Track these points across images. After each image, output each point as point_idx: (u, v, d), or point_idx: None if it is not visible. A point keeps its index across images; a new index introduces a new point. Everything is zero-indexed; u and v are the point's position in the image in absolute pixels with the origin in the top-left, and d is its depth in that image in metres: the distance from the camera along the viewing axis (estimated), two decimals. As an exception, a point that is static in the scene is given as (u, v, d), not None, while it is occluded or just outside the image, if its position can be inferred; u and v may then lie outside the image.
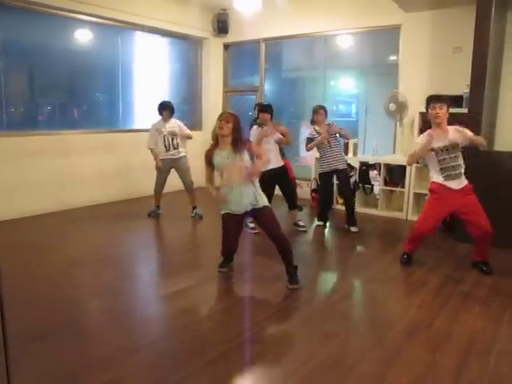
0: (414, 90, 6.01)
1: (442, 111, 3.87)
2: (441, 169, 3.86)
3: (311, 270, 4.20)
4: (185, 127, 5.83)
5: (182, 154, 5.78)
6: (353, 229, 5.37)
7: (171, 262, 4.35)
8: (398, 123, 6.27)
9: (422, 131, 5.80)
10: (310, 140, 5.32)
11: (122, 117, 7.23)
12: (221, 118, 3.47)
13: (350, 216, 5.41)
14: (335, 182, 5.78)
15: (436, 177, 3.92)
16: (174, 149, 5.70)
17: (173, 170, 5.78)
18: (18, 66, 6.12)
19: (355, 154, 6.52)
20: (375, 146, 6.39)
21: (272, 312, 3.16)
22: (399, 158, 6.04)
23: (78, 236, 5.00)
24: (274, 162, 4.86)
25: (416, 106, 5.84)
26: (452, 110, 5.45)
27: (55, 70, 6.34)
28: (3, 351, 1.58)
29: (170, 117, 5.74)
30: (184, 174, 5.80)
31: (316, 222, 5.61)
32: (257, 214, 3.60)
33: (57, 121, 6.68)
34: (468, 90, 4.91)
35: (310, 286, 3.73)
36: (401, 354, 2.60)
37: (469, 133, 3.88)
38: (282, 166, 5.12)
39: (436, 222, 4.04)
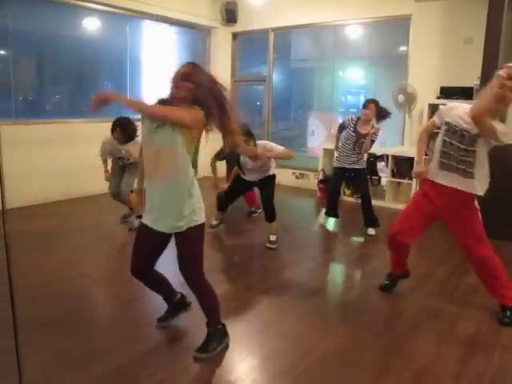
0: (424, 82, 5.96)
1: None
2: (441, 152, 2.95)
3: (316, 261, 4.21)
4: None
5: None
6: (369, 231, 4.88)
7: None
8: (406, 115, 6.23)
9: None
10: (341, 128, 4.83)
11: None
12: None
13: (366, 216, 4.90)
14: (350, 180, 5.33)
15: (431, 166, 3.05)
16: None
17: None
18: (27, 54, 6.13)
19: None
20: (383, 138, 6.35)
21: (276, 302, 3.17)
22: (407, 150, 6.00)
23: (86, 224, 5.03)
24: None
25: (425, 98, 5.79)
26: (463, 102, 5.44)
27: (64, 59, 6.33)
28: (13, 336, 1.61)
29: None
30: None
31: (321, 216, 5.35)
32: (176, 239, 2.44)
33: (65, 109, 6.69)
34: (478, 82, 4.85)
35: (315, 278, 3.74)
36: (405, 346, 2.61)
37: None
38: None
39: (411, 223, 3.07)
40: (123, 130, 4.55)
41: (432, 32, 5.98)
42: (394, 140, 6.54)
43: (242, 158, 4.42)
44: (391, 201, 6.26)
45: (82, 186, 6.23)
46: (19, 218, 4.90)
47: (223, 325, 2.55)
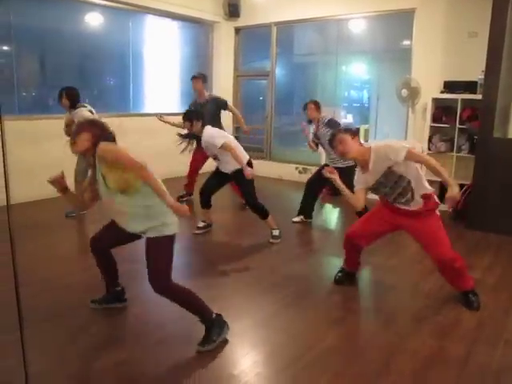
0: (428, 76, 5.92)
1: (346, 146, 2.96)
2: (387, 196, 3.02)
3: (318, 255, 4.21)
4: None
5: None
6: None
7: (184, 246, 4.39)
8: (410, 109, 6.20)
9: (434, 118, 5.75)
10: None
11: (133, 101, 7.23)
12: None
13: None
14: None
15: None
16: None
17: None
18: (30, 50, 6.13)
19: (366, 140, 6.47)
20: (386, 133, 6.34)
21: (278, 298, 3.18)
22: (411, 145, 5.98)
23: (92, 218, 5.04)
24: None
25: (429, 92, 5.76)
26: (466, 97, 5.44)
27: (67, 54, 6.33)
28: (18, 330, 1.62)
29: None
30: None
31: (293, 219, 5.07)
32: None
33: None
34: (483, 76, 4.83)
35: (316, 273, 3.75)
36: (408, 341, 2.62)
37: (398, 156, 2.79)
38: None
39: (365, 229, 3.19)
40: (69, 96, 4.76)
41: (436, 26, 5.94)
42: (398, 134, 6.51)
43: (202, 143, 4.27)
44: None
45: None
46: (23, 213, 4.92)
47: (218, 314, 2.56)
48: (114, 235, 2.66)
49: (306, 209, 5.05)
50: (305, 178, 7.39)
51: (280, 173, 7.69)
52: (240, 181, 4.30)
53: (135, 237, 2.59)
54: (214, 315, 2.54)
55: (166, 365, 2.34)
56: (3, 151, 1.60)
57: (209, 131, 4.17)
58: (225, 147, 4.03)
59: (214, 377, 2.27)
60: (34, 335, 2.46)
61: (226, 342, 2.55)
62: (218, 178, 4.47)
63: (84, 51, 6.49)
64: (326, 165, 4.80)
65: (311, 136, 5.00)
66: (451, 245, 2.96)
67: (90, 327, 2.72)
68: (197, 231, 4.61)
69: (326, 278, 3.67)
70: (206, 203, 4.55)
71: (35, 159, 5.71)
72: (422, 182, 2.92)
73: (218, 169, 4.48)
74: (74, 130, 2.45)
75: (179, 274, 3.61)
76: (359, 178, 3.04)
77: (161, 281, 2.42)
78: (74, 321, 2.78)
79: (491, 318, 2.90)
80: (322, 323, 2.84)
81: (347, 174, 4.67)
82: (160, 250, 2.43)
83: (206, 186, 4.51)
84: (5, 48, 5.79)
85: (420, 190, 2.90)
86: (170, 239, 2.46)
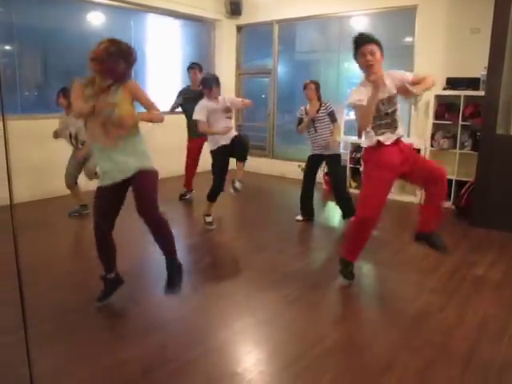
0: (430, 73, 5.85)
1: (375, 57, 3.04)
2: (376, 126, 3.06)
3: (321, 252, 4.21)
4: None
5: None
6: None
7: (186, 244, 4.40)
8: (412, 106, 6.17)
9: (437, 115, 5.73)
10: (299, 121, 4.86)
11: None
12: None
13: (341, 207, 4.88)
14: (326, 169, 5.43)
15: (368, 140, 3.11)
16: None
17: None
18: (32, 49, 6.14)
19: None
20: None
21: (281, 295, 3.18)
22: (414, 142, 5.96)
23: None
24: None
25: (432, 89, 5.73)
26: (469, 93, 5.42)
27: (69, 54, 6.34)
28: (23, 328, 1.63)
29: None
30: None
31: (296, 217, 5.03)
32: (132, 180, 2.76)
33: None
34: (485, 73, 4.81)
35: (320, 270, 3.75)
36: (412, 338, 2.62)
37: (408, 77, 3.17)
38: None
39: (382, 199, 3.19)
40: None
41: (438, 22, 5.92)
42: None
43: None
44: (397, 193, 6.23)
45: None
46: (26, 212, 4.93)
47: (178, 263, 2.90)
48: (110, 203, 2.81)
49: (305, 209, 5.02)
50: (307, 175, 7.41)
51: (283, 171, 7.69)
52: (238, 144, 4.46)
53: (127, 184, 2.78)
54: (176, 258, 2.87)
55: (168, 364, 2.35)
56: (6, 150, 1.60)
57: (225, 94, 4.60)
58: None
59: (218, 375, 2.28)
60: (38, 335, 2.47)
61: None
62: (224, 155, 4.51)
63: (86, 50, 6.46)
64: (313, 155, 4.90)
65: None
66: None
67: (93, 327, 2.73)
68: (210, 227, 4.66)
69: (328, 276, 3.67)
70: (216, 197, 4.60)
71: (38, 158, 5.72)
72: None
73: (223, 149, 4.47)
74: (112, 51, 2.75)
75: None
76: (362, 93, 3.00)
77: (155, 210, 2.71)
78: (78, 320, 2.79)
79: (495, 315, 2.90)
80: (325, 321, 2.84)
81: (334, 163, 4.87)
82: (152, 181, 2.77)
83: (223, 171, 4.54)
84: (7, 47, 5.80)
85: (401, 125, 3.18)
86: (157, 173, 2.82)
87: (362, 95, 2.97)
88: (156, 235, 2.79)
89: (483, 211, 4.75)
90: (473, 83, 5.40)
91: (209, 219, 4.69)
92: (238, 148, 4.44)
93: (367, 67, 3.01)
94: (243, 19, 8.03)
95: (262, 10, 7.63)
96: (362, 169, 3.28)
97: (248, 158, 4.62)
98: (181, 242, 4.44)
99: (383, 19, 6.75)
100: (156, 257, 4.06)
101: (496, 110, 4.55)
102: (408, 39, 6.52)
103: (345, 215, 4.87)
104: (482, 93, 4.96)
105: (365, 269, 3.85)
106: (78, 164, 4.90)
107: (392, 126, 3.09)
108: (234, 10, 7.85)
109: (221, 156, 4.48)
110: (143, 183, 2.73)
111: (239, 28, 8.28)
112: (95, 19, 6.57)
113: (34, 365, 1.70)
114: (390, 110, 3.10)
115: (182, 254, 4.12)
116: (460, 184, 5.48)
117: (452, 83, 5.67)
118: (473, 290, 3.26)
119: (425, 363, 2.36)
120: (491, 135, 4.54)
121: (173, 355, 2.42)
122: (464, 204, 5.05)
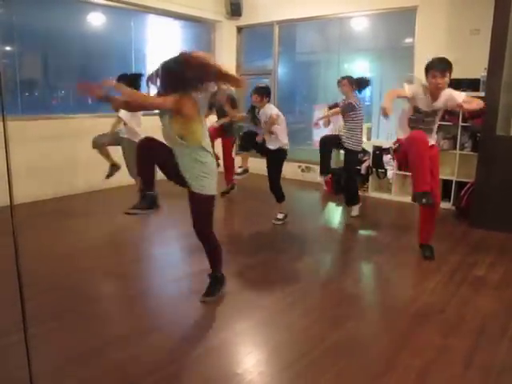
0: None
1: (445, 80, 3.45)
2: (412, 126, 3.69)
3: (322, 253, 4.21)
4: None
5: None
6: (353, 212, 5.19)
7: (187, 244, 4.40)
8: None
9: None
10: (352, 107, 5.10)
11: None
12: None
13: (346, 196, 5.30)
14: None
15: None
16: None
17: None
18: (32, 50, 6.15)
19: (369, 138, 6.47)
20: (389, 130, 6.32)
21: (280, 296, 3.18)
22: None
23: (93, 219, 5.06)
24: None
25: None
26: (469, 94, 5.40)
27: (69, 54, 6.35)
28: (22, 329, 1.63)
29: None
30: None
31: (319, 178, 5.97)
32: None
33: (70, 105, 6.71)
34: (485, 74, 4.81)
35: (321, 271, 3.75)
36: (413, 338, 2.62)
37: (459, 99, 3.57)
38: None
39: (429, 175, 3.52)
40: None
41: (438, 23, 5.93)
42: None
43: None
44: (397, 194, 6.24)
45: (89, 180, 6.25)
46: (26, 213, 4.93)
47: (223, 274, 3.08)
48: (164, 153, 2.80)
49: (325, 166, 5.29)
50: (308, 176, 7.42)
51: (283, 171, 7.65)
52: (273, 161, 4.98)
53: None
54: (220, 274, 3.06)
55: (172, 364, 2.34)
56: (6, 151, 1.60)
57: (270, 105, 4.94)
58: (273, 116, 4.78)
59: (218, 376, 2.27)
60: (37, 335, 2.47)
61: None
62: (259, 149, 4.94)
63: (86, 51, 6.50)
64: (337, 136, 5.24)
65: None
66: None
67: (93, 326, 2.73)
68: (277, 222, 4.87)
69: (329, 276, 3.68)
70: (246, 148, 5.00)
71: (38, 159, 5.72)
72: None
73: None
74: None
75: (180, 273, 3.64)
76: (413, 89, 3.58)
77: (204, 230, 2.91)
78: (78, 320, 2.79)
79: (495, 316, 2.89)
80: (325, 321, 2.84)
81: (351, 156, 5.18)
82: (204, 206, 2.86)
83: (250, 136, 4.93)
84: (7, 48, 5.81)
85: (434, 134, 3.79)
86: (213, 197, 2.89)
87: (413, 91, 3.53)
88: (205, 249, 3.00)
89: (483, 212, 4.75)
90: (473, 84, 5.39)
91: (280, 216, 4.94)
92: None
93: (436, 89, 3.51)
94: (243, 20, 8.04)
95: (263, 11, 7.64)
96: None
97: (248, 158, 5.06)
98: (177, 242, 4.45)
99: (383, 20, 6.76)
100: (155, 258, 4.07)
101: (496, 111, 4.55)
102: (408, 40, 6.53)
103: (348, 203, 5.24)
104: (482, 94, 4.96)
105: (365, 269, 3.85)
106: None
107: (427, 132, 3.62)
108: (234, 10, 7.86)
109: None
110: (195, 203, 2.83)
111: (239, 29, 8.28)
112: (95, 20, 6.58)
113: (33, 365, 1.70)
114: (428, 119, 3.66)
115: (181, 255, 4.14)
116: (460, 185, 5.48)
117: (452, 84, 5.64)
118: (473, 291, 3.26)
119: (425, 363, 2.36)
120: (491, 136, 4.54)
121: (173, 356, 2.42)
122: (464, 205, 5.04)
